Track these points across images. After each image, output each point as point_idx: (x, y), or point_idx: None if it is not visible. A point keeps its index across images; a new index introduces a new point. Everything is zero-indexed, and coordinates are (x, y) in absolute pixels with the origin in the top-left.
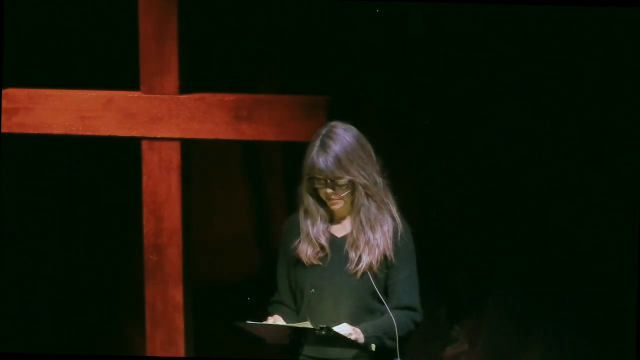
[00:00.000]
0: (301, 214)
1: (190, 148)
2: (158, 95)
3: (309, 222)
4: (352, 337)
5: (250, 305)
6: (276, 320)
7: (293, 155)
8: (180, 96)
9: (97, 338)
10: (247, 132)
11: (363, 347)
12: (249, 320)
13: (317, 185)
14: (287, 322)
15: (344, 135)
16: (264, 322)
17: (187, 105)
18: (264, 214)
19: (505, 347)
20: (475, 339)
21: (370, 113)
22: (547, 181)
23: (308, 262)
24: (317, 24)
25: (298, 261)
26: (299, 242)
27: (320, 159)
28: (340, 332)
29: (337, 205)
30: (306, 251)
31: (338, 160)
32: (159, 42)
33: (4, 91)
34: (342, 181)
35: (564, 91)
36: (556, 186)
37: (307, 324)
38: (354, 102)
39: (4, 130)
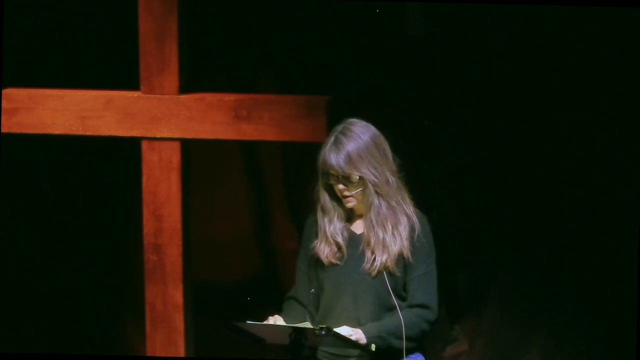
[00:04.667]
0: (319, 211)
1: (190, 148)
2: (158, 95)
3: (326, 219)
4: (353, 338)
5: (250, 305)
6: (276, 320)
7: (293, 155)
8: (180, 96)
9: (97, 338)
10: (247, 132)
11: (364, 348)
12: (249, 320)
13: (331, 181)
14: (293, 321)
15: (358, 133)
16: (263, 322)
17: (187, 105)
18: (264, 214)
19: (505, 347)
20: (475, 339)
21: (370, 113)
22: (548, 181)
23: (326, 260)
24: (317, 24)
25: (317, 259)
26: (318, 240)
27: (332, 155)
28: (341, 333)
29: (351, 203)
30: (324, 250)
31: (348, 157)
32: (159, 42)
33: (4, 91)
34: (354, 178)
35: (564, 91)
36: (556, 186)
37: (307, 324)
38: (354, 102)
39: (4, 130)
